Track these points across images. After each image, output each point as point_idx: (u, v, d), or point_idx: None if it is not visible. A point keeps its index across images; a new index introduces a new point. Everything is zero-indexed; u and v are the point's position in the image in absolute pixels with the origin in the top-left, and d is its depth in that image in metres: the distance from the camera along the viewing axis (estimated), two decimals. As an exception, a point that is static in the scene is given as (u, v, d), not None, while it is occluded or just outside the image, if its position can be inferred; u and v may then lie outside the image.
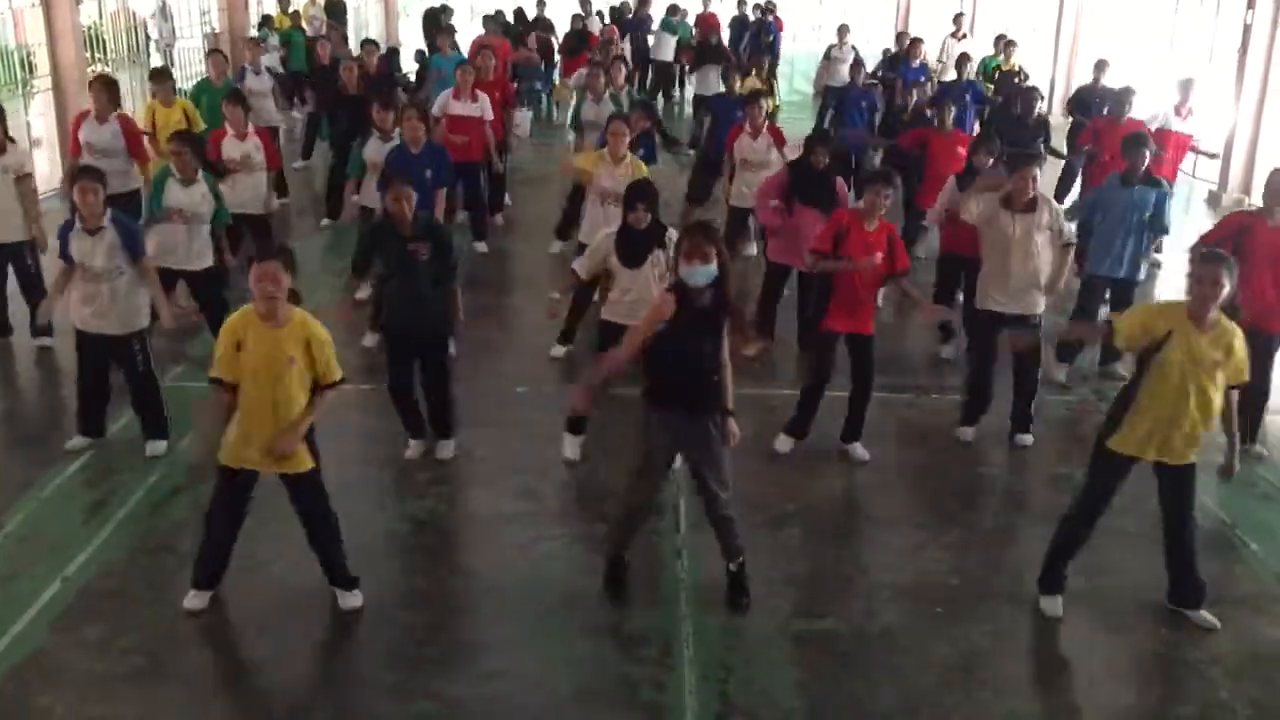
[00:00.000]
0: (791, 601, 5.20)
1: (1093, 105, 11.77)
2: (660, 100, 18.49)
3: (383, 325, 6.59)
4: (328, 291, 9.08)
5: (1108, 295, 7.67)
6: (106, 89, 8.54)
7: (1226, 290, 4.63)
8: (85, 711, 4.36)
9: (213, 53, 11.80)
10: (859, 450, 6.59)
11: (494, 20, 16.03)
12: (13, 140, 7.75)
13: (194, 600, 4.96)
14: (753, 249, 9.99)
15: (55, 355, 7.87)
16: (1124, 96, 10.22)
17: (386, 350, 6.41)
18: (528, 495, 6.09)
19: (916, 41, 14.64)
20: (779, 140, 9.13)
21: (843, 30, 16.73)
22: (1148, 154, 7.43)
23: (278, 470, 4.79)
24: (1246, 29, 13.33)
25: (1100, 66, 12.36)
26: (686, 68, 17.96)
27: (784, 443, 6.61)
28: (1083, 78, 12.79)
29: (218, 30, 17.89)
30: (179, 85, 12.88)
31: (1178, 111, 10.59)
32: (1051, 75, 19.22)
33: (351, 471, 6.38)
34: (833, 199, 7.52)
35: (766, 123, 9.18)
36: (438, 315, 6.22)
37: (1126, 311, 4.96)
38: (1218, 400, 4.76)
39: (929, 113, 10.37)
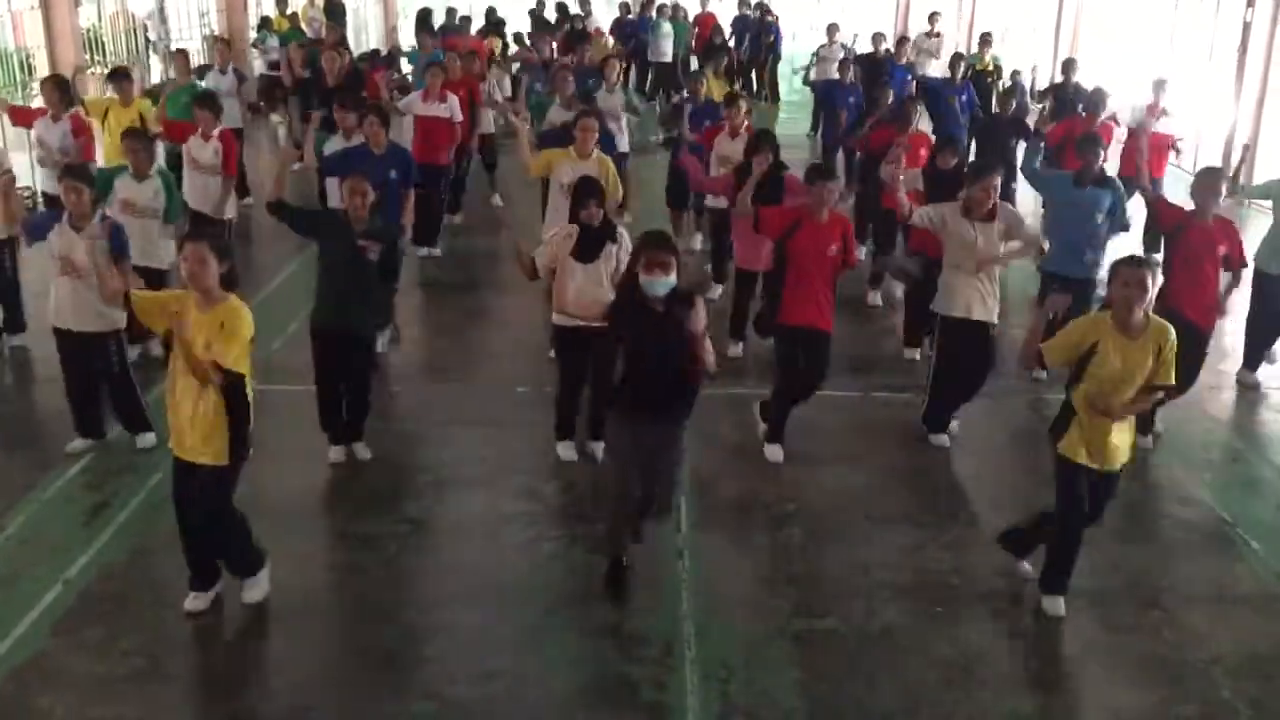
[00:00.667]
0: (792, 601, 5.20)
1: (1067, 103, 11.84)
2: (660, 100, 18.49)
3: (312, 323, 6.33)
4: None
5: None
6: (58, 88, 8.55)
7: (1151, 294, 4.69)
8: (86, 713, 4.36)
9: (178, 52, 11.87)
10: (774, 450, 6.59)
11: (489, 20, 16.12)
12: None
13: (193, 602, 4.96)
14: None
15: (54, 359, 7.87)
16: (1098, 97, 10.26)
17: (314, 349, 6.28)
18: (528, 495, 6.09)
19: (903, 40, 14.66)
20: None
21: (831, 29, 16.79)
22: (1102, 154, 7.49)
23: (194, 459, 4.69)
24: (1246, 27, 13.34)
25: (1070, 65, 12.41)
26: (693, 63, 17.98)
27: (774, 452, 6.58)
28: (1084, 77, 12.86)
29: (217, 32, 17.90)
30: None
31: (1150, 112, 10.62)
32: (1052, 74, 19.19)
33: (349, 473, 6.38)
34: (781, 198, 7.49)
35: (746, 124, 9.22)
36: (367, 315, 6.22)
37: (1055, 337, 4.99)
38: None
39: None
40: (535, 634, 4.90)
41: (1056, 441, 4.99)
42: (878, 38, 16.16)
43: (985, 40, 15.06)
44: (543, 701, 4.49)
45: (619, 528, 5.17)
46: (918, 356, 8.16)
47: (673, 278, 4.70)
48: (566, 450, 6.50)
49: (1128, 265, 4.77)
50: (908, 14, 25.63)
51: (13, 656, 4.65)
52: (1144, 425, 5.77)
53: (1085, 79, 12.44)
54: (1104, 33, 18.62)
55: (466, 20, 16.39)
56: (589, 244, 5.97)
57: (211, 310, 4.61)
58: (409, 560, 5.51)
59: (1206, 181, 6.72)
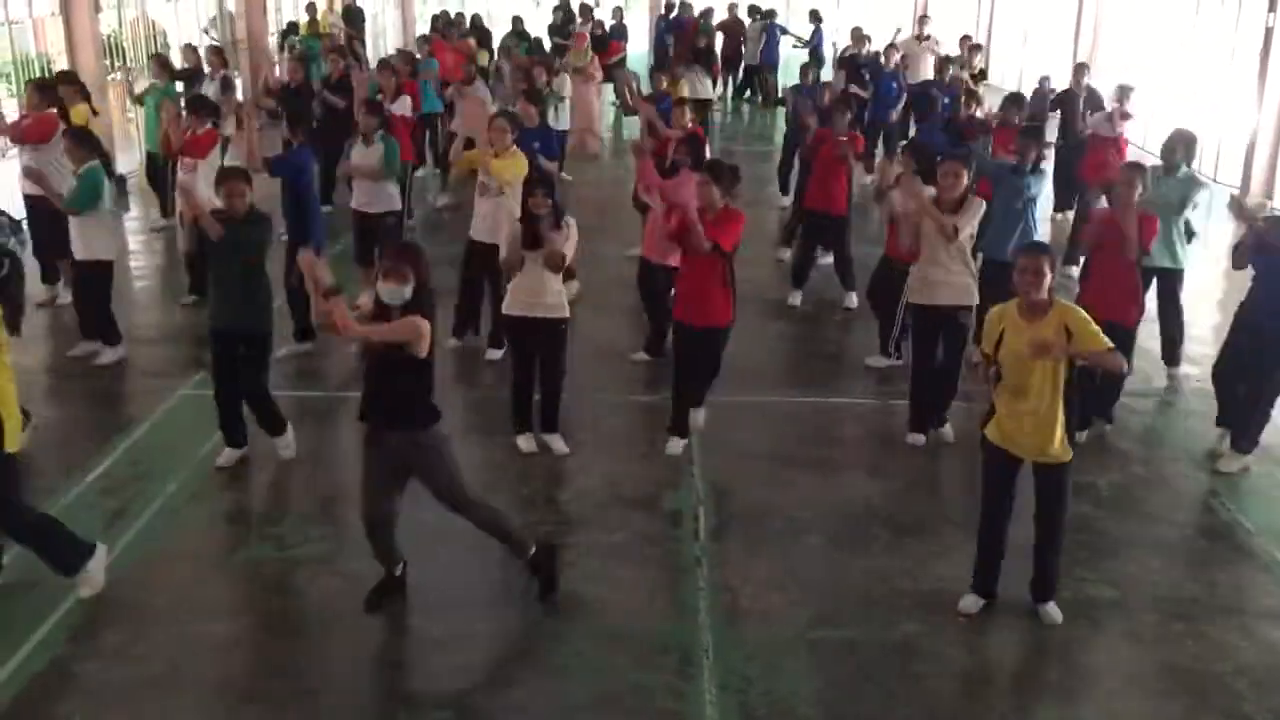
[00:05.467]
0: (810, 610, 5.17)
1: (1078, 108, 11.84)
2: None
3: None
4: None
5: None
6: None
7: (1048, 279, 4.74)
8: (104, 719, 4.38)
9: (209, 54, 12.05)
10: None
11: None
12: None
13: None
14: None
15: (72, 362, 7.90)
16: (1012, 100, 10.51)
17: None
18: (543, 503, 6.07)
19: (891, 48, 14.72)
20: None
21: (923, 22, 17.16)
22: (1040, 146, 7.73)
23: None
24: (1268, 32, 13.24)
25: (1081, 69, 12.38)
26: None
27: (673, 445, 6.60)
28: (1101, 79, 12.77)
29: (237, 37, 17.98)
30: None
31: (1117, 117, 10.61)
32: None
33: (356, 479, 6.36)
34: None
35: (690, 125, 9.28)
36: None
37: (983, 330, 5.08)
38: (1057, 389, 4.79)
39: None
40: (552, 642, 4.89)
41: (983, 428, 5.05)
42: (856, 33, 16.25)
43: (974, 45, 15.22)
44: (560, 710, 4.47)
45: (369, 540, 5.03)
46: (882, 364, 7.97)
47: (408, 289, 4.61)
48: (526, 443, 6.58)
49: (1023, 253, 4.86)
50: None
51: (32, 662, 4.66)
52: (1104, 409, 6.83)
53: (1099, 83, 12.35)
54: (1124, 35, 18.50)
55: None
56: (532, 234, 6.17)
57: None
58: (421, 568, 5.49)
59: (1126, 177, 6.66)
